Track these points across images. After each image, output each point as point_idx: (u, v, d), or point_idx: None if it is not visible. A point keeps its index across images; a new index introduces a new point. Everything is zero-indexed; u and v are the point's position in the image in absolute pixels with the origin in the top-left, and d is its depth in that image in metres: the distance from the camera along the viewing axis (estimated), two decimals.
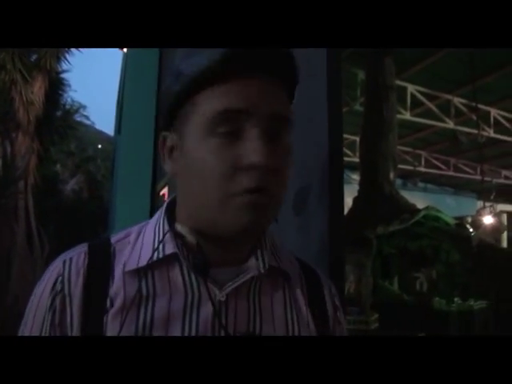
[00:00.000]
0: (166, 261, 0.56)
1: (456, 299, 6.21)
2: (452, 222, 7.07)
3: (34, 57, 7.98)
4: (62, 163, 10.59)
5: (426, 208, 6.62)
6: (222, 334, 0.54)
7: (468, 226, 7.30)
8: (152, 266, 0.56)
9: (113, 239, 0.60)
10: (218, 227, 0.53)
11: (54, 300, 0.54)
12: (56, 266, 0.56)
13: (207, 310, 0.54)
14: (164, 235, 0.57)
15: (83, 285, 0.54)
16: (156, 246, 0.57)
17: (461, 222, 7.54)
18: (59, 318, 0.54)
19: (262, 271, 0.57)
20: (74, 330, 0.53)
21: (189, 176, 0.54)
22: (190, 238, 0.57)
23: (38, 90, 8.12)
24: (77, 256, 0.57)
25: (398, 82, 6.78)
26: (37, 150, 8.06)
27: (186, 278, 0.56)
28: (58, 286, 0.54)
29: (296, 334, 0.59)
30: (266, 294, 0.59)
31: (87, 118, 9.73)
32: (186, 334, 0.53)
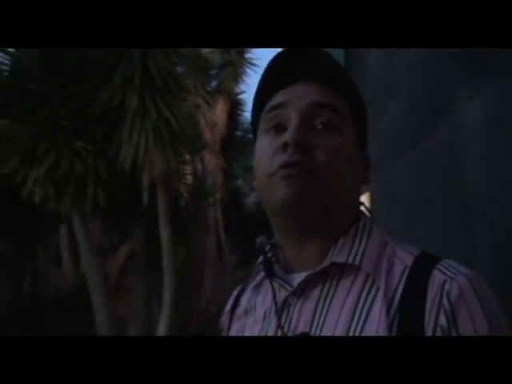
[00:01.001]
0: None
1: None
2: None
3: (215, 82, 8.84)
4: (243, 178, 11.38)
5: None
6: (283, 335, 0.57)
7: None
8: (262, 280, 0.66)
9: None
10: (268, 207, 0.61)
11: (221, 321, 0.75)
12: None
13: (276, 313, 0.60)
14: (264, 246, 0.65)
15: (229, 310, 0.73)
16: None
17: None
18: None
19: (318, 269, 0.58)
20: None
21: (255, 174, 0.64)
22: (274, 240, 0.65)
23: (220, 111, 8.96)
24: (235, 291, 0.75)
25: None
26: (222, 166, 8.83)
27: (275, 285, 0.61)
28: (223, 315, 0.75)
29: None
30: (340, 294, 0.57)
31: None
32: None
